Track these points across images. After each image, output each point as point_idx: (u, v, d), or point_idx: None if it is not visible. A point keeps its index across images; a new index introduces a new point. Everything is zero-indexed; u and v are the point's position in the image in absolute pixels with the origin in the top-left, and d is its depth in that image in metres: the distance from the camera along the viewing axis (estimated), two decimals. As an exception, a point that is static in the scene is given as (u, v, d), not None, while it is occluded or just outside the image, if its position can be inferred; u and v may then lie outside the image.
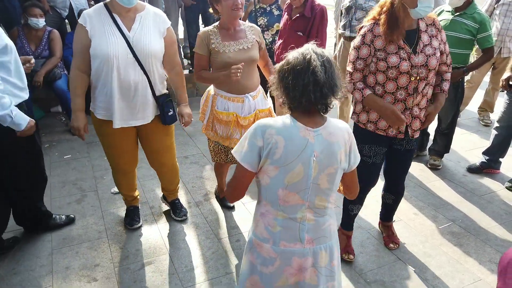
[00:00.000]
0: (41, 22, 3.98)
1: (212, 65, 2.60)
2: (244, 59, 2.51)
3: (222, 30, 2.53)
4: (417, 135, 2.35)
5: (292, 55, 1.43)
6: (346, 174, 1.55)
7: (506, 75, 3.26)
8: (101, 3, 2.31)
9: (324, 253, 1.51)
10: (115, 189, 3.27)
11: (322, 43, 3.11)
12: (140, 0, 2.35)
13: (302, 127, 1.41)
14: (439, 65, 2.27)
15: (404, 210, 3.13)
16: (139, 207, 2.98)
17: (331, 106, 1.45)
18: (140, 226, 2.87)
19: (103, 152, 3.88)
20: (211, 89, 2.72)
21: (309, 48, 1.42)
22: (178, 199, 3.03)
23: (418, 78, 2.16)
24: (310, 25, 3.12)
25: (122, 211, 3.02)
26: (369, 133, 2.34)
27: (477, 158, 3.95)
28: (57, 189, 3.29)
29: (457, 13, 3.34)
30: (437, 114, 2.40)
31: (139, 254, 2.61)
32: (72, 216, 2.91)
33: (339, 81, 1.43)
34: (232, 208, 3.07)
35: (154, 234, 2.81)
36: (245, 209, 3.08)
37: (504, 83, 3.25)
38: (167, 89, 2.57)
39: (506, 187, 3.47)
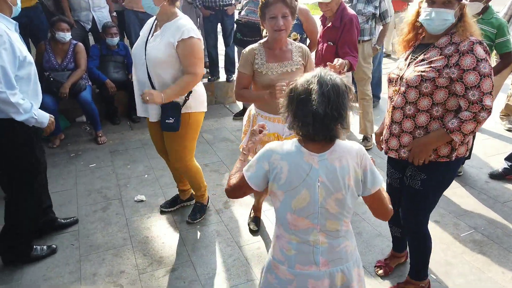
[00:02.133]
0: (67, 36, 4.15)
1: (254, 84, 2.55)
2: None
3: (268, 49, 2.43)
4: (390, 154, 2.13)
5: (300, 81, 1.40)
6: (367, 198, 1.50)
7: None
8: None
9: (341, 275, 1.50)
10: (139, 197, 3.37)
11: (351, 53, 3.10)
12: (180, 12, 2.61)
13: (307, 153, 1.40)
14: (459, 97, 1.90)
15: (425, 218, 3.12)
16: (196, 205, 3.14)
17: (338, 136, 1.40)
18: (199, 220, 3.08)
19: (126, 160, 4.01)
20: (252, 109, 2.65)
21: (316, 75, 1.37)
22: (200, 203, 3.13)
23: (398, 91, 2.04)
24: (339, 34, 3.17)
25: (145, 219, 3.11)
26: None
27: (500, 164, 3.89)
28: (83, 197, 3.41)
29: (474, 19, 3.31)
30: (427, 154, 2.00)
31: (162, 261, 2.68)
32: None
33: (346, 111, 1.36)
34: (256, 232, 2.96)
35: (177, 241, 2.88)
36: (264, 217, 3.13)
37: None
38: (186, 98, 2.63)
39: None
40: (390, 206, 1.54)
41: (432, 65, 1.91)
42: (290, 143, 1.45)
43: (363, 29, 4.16)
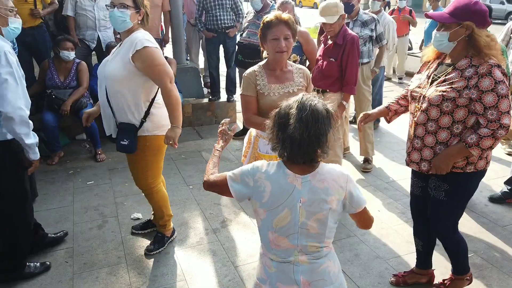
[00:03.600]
0: (72, 55, 4.22)
1: (259, 107, 2.50)
2: None
3: (268, 71, 2.41)
4: (412, 167, 2.30)
5: (284, 104, 1.44)
6: (353, 215, 1.56)
7: None
8: None
9: None
10: (135, 215, 3.35)
11: (351, 69, 3.28)
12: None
13: (291, 174, 1.43)
14: (478, 115, 2.02)
15: (424, 240, 3.08)
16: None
17: (317, 160, 1.44)
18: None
19: (124, 178, 3.99)
20: (253, 130, 2.58)
21: (298, 100, 1.40)
22: (161, 234, 2.98)
23: (420, 108, 2.18)
24: (341, 52, 3.32)
25: (141, 237, 3.08)
26: None
27: (500, 187, 3.87)
28: (80, 214, 3.39)
29: (493, 40, 3.37)
30: (448, 166, 2.13)
31: (156, 280, 2.64)
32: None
33: (326, 136, 1.39)
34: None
35: (171, 260, 2.84)
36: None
37: None
38: (143, 120, 2.57)
39: None
40: (372, 216, 1.61)
41: (453, 86, 2.05)
42: (276, 164, 1.48)
43: (362, 51, 4.23)
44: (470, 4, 2.01)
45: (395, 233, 3.16)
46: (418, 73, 2.35)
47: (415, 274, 2.61)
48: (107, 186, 3.87)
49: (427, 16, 2.18)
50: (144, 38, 2.45)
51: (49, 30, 4.91)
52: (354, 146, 4.67)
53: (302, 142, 1.36)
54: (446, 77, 2.10)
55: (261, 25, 2.35)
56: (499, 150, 4.82)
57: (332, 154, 3.48)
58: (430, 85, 2.16)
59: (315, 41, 4.07)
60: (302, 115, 1.36)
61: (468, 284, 2.50)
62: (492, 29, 3.42)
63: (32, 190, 2.69)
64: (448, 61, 2.16)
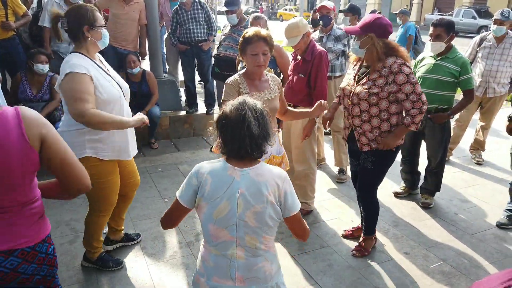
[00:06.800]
0: (46, 67, 4.17)
1: None
2: (269, 109, 2.54)
3: (248, 80, 2.58)
4: (365, 148, 2.82)
5: (229, 108, 1.55)
6: (288, 219, 1.62)
7: None
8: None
9: None
10: (105, 230, 3.30)
11: (320, 84, 3.33)
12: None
13: (231, 167, 1.55)
14: (402, 101, 2.66)
15: (395, 250, 3.14)
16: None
17: (266, 152, 1.59)
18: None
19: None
20: None
21: (244, 103, 1.55)
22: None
23: (352, 102, 2.75)
24: (310, 67, 3.35)
25: (113, 251, 3.04)
26: (347, 143, 3.06)
27: (470, 196, 3.99)
28: (51, 229, 3.30)
29: (439, 58, 3.50)
30: (394, 143, 2.75)
31: (128, 295, 2.61)
32: None
33: (271, 130, 1.61)
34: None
35: (144, 275, 2.81)
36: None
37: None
38: None
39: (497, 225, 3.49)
40: (308, 228, 1.70)
41: (375, 83, 2.65)
42: (217, 162, 1.58)
43: (334, 65, 4.32)
44: (373, 19, 2.61)
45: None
46: (347, 73, 2.96)
47: (359, 229, 3.23)
48: (80, 201, 3.80)
49: (346, 31, 3.07)
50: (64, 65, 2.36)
51: (22, 42, 4.85)
52: (330, 157, 4.73)
53: (259, 137, 1.53)
54: (369, 77, 2.67)
55: (241, 39, 2.50)
56: (468, 160, 4.97)
57: (306, 165, 3.54)
58: (357, 83, 2.74)
59: (289, 54, 4.14)
60: (256, 115, 1.54)
61: (375, 242, 3.16)
62: (465, 43, 3.56)
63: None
64: (365, 64, 2.77)
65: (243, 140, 1.51)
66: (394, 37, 7.68)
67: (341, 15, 20.45)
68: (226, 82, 2.57)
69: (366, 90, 2.65)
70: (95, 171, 2.42)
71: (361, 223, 3.19)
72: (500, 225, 3.48)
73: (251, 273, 1.56)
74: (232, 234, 1.53)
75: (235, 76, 2.60)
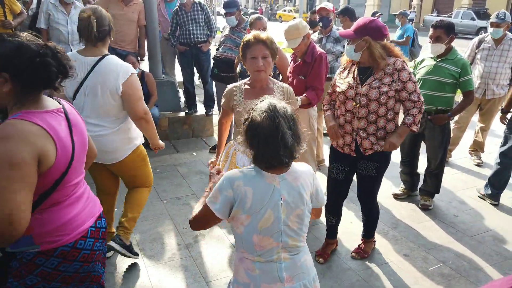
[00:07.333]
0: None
1: (235, 122, 2.61)
2: None
3: (249, 87, 2.52)
4: (369, 152, 2.71)
5: (260, 116, 1.45)
6: (314, 208, 1.70)
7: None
8: None
9: None
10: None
11: (319, 86, 3.31)
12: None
13: (269, 175, 1.51)
14: (404, 101, 2.63)
15: (395, 252, 3.13)
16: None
17: (297, 157, 1.53)
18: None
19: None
20: (231, 145, 2.69)
21: (275, 110, 1.46)
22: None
23: (359, 105, 2.62)
24: (310, 69, 3.34)
25: (110, 252, 3.03)
26: (332, 149, 2.92)
27: (469, 198, 3.98)
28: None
29: (439, 59, 3.50)
30: (398, 143, 2.70)
31: (126, 297, 2.60)
32: None
33: (302, 134, 1.54)
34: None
35: (142, 275, 2.80)
36: (235, 252, 3.08)
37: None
38: None
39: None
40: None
41: (383, 81, 2.58)
42: (249, 170, 1.53)
43: (333, 67, 4.32)
44: (367, 23, 2.54)
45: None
46: (339, 77, 2.80)
47: (328, 244, 3.11)
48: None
49: (340, 35, 2.83)
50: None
51: None
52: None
53: (293, 146, 1.47)
54: (374, 76, 2.59)
55: (242, 43, 2.45)
56: (468, 162, 4.97)
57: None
58: (361, 85, 2.62)
59: (288, 55, 4.13)
60: (289, 124, 1.47)
61: (374, 245, 3.15)
62: (464, 44, 3.56)
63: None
64: (363, 65, 2.65)
65: (277, 151, 1.44)
66: (393, 37, 7.69)
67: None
68: (226, 89, 2.58)
69: (377, 90, 2.56)
70: (144, 153, 2.84)
71: (363, 227, 3.13)
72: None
73: (297, 270, 1.58)
74: (278, 240, 1.52)
75: (235, 83, 2.58)
